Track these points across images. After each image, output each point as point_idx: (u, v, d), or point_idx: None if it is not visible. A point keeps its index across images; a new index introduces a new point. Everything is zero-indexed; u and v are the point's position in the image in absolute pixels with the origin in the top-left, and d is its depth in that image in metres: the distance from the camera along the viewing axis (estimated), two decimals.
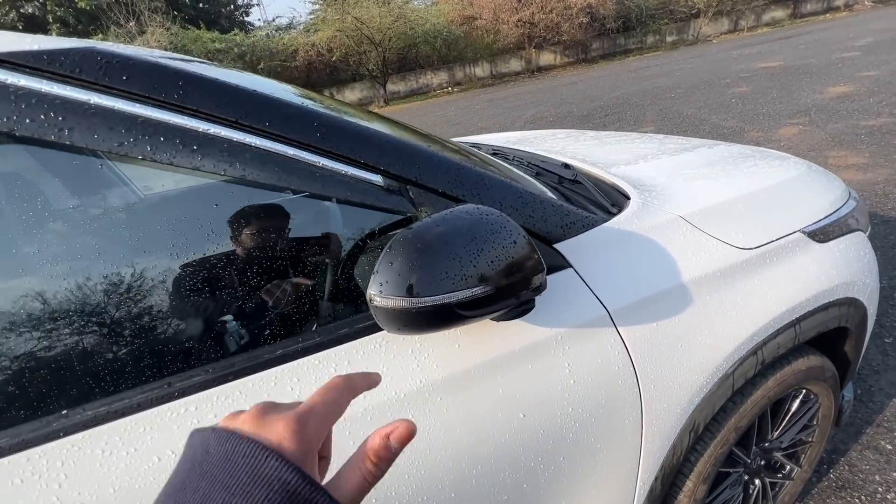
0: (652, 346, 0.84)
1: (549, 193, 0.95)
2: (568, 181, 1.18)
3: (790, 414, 1.21)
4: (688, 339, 0.87)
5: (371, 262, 0.73)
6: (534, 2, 19.16)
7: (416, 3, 21.83)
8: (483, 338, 0.72)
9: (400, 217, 0.73)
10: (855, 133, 4.66)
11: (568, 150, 1.60)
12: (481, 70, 20.39)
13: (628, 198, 1.05)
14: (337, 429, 0.56)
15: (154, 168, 0.58)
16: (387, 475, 0.64)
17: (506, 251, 0.61)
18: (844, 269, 1.07)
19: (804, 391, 1.20)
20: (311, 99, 0.87)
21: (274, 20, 23.92)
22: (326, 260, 0.72)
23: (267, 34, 20.62)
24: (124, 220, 0.67)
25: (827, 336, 1.16)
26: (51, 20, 17.59)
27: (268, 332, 0.65)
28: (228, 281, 0.65)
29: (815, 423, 1.30)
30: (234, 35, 17.94)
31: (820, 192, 1.16)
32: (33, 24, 18.06)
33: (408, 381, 0.67)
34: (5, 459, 0.51)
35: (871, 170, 3.74)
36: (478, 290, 0.57)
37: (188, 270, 0.62)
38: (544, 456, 0.78)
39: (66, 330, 0.59)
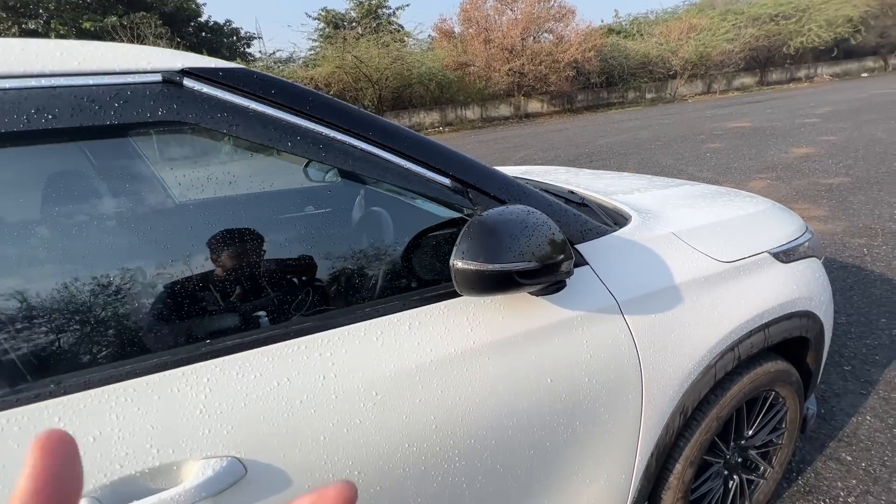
0: (651, 333, 1.02)
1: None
2: (575, 203, 1.40)
3: (762, 413, 1.40)
4: (679, 331, 1.06)
5: (438, 245, 0.91)
6: (524, 53, 20.42)
7: (412, 45, 23.02)
8: (521, 312, 0.90)
9: (457, 215, 0.92)
10: (816, 189, 5.13)
11: (571, 181, 1.84)
12: (472, 113, 21.31)
13: (627, 218, 1.26)
14: (398, 381, 0.71)
15: (291, 160, 0.76)
16: (441, 421, 0.79)
17: (547, 239, 0.80)
18: (804, 286, 1.29)
19: (773, 393, 1.39)
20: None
21: (274, 53, 24.68)
22: (408, 241, 0.90)
23: (267, 66, 21.29)
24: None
25: (791, 345, 1.37)
26: (52, 37, 17.83)
27: (355, 291, 0.82)
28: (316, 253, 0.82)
29: (783, 426, 1.48)
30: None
31: (783, 224, 1.40)
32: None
33: (462, 342, 0.84)
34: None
35: (830, 222, 4.13)
36: (529, 265, 0.75)
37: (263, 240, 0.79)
38: (565, 418, 0.94)
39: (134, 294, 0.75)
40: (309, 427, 0.71)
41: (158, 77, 0.68)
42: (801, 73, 25.79)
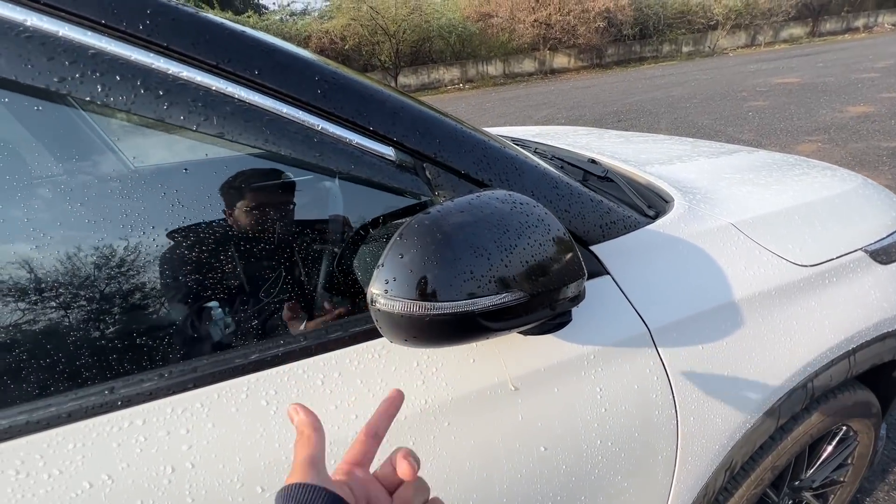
0: (695, 373, 0.71)
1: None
2: (595, 178, 1.06)
3: (827, 451, 1.09)
4: (736, 367, 0.75)
5: (373, 253, 0.61)
6: (551, 3, 18.94)
7: None
8: (503, 353, 0.60)
9: (412, 202, 0.61)
10: (876, 154, 4.53)
11: (593, 146, 1.48)
12: (494, 69, 20.17)
13: (667, 201, 0.93)
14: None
15: (105, 114, 0.45)
16: None
17: (543, 250, 0.49)
18: None
19: (845, 428, 1.08)
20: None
21: (289, 4, 23.66)
22: (318, 248, 0.60)
23: (281, 18, 20.46)
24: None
25: (875, 369, 1.04)
26: None
27: (242, 333, 0.53)
28: (191, 272, 0.53)
29: (850, 461, 1.17)
30: (248, 17, 17.78)
31: (879, 208, 1.03)
32: None
33: (411, 401, 0.55)
34: None
35: (894, 192, 3.61)
36: (508, 297, 0.45)
37: (141, 260, 0.50)
38: (564, 495, 0.66)
39: None
40: None
41: None
42: (859, 23, 23.34)
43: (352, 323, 0.56)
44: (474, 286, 0.43)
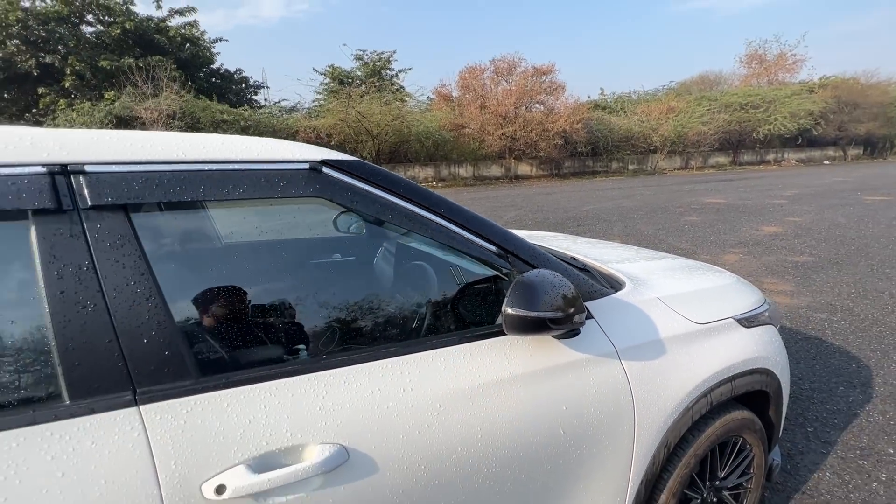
0: (642, 376, 1.28)
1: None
2: (578, 268, 1.70)
3: (733, 456, 1.63)
4: (663, 376, 1.33)
5: (481, 296, 1.19)
6: (517, 121, 21.83)
7: (412, 106, 24.44)
8: (544, 352, 1.16)
9: (492, 273, 1.20)
10: (783, 266, 5.60)
11: (571, 248, 2.16)
12: (465, 171, 22.32)
13: (622, 283, 1.56)
14: (455, 398, 0.94)
15: (390, 229, 1.04)
16: (485, 433, 1.02)
17: (568, 296, 1.08)
18: (762, 347, 1.58)
19: (741, 439, 1.64)
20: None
21: (279, 101, 25.77)
22: (461, 292, 1.17)
23: (271, 113, 22.21)
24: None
25: (754, 399, 1.64)
26: (68, 72, 18.54)
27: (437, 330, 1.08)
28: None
29: (751, 471, 1.71)
30: (243, 110, 19.29)
31: (745, 295, 1.72)
32: (48, 73, 18.90)
33: (501, 372, 1.09)
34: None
35: (796, 296, 4.54)
36: (559, 314, 1.03)
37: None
38: (574, 441, 1.17)
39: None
40: (393, 427, 0.94)
41: (307, 165, 0.98)
42: (770, 157, 27.98)
43: (475, 330, 1.11)
44: (544, 307, 1.01)
